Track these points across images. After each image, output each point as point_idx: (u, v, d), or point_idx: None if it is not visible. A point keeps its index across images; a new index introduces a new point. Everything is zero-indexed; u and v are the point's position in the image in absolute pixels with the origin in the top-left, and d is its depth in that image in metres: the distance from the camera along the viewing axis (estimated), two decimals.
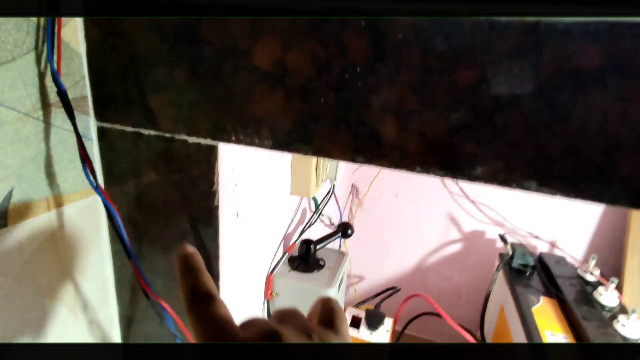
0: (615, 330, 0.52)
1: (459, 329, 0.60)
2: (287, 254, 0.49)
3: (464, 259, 0.87)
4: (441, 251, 0.88)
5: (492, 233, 0.83)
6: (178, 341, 0.35)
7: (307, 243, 0.49)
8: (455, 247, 0.87)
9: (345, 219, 0.85)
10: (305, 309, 0.26)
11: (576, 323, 0.54)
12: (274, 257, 0.49)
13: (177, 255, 0.20)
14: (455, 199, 0.83)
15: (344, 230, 0.58)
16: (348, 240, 0.87)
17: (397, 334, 0.82)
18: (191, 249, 0.20)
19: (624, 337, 0.50)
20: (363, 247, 0.92)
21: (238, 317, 0.18)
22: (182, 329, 0.33)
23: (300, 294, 0.44)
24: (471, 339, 0.58)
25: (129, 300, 0.38)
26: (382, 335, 0.66)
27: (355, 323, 0.69)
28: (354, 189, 0.89)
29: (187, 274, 0.19)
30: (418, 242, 0.89)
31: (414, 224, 0.88)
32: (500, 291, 0.68)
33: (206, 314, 0.17)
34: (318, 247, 0.49)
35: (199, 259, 0.20)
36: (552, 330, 0.53)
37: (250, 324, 0.18)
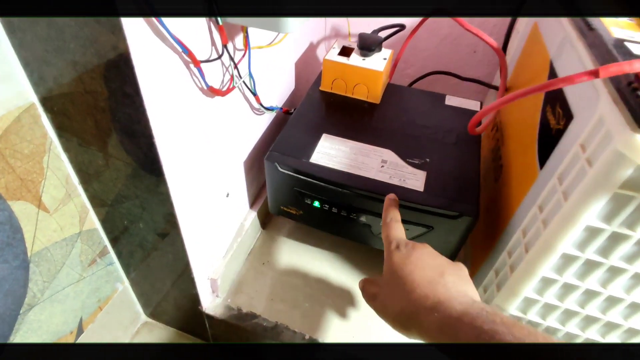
0: None
1: (477, 31, 0.45)
2: None
3: None
4: None
5: None
6: None
7: None
8: None
9: None
10: None
11: None
12: None
13: (386, 198, 0.41)
14: None
15: None
16: None
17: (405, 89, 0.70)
18: (393, 197, 0.41)
19: None
20: None
21: None
22: None
23: None
24: (490, 40, 0.44)
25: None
26: (378, 62, 0.53)
27: (346, 52, 0.55)
28: None
29: (388, 208, 0.39)
30: None
31: None
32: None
33: (390, 230, 0.37)
34: None
35: (395, 203, 0.40)
36: None
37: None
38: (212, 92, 0.36)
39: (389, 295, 0.33)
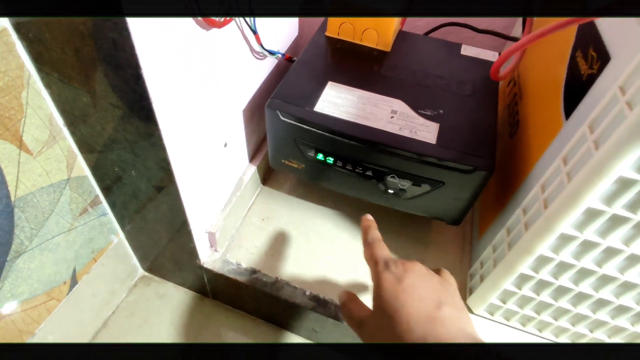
0: None
1: None
2: None
3: None
4: None
5: None
6: None
7: None
8: None
9: None
10: None
11: None
12: None
13: (362, 218, 0.38)
14: None
15: None
16: None
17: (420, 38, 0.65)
18: (370, 218, 0.38)
19: None
20: None
21: None
22: None
23: None
24: None
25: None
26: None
27: None
28: None
29: (367, 230, 0.36)
30: None
31: None
32: None
33: (374, 249, 0.34)
34: None
35: (374, 224, 0.37)
36: None
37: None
38: (206, 22, 0.32)
39: (379, 327, 0.30)
